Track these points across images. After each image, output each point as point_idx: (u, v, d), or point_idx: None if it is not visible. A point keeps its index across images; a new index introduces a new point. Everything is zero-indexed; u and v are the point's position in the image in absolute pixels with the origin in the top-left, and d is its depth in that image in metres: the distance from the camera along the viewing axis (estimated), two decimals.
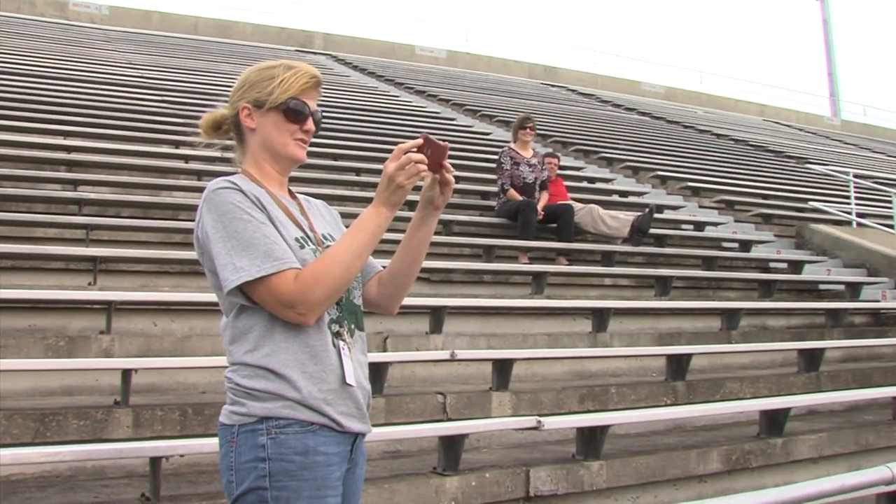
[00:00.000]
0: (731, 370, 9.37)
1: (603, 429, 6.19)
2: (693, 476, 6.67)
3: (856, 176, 17.17)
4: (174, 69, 19.35)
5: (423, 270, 8.63)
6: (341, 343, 2.63)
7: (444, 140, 2.65)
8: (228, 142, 2.85)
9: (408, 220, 2.76)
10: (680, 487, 6.59)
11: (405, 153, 2.55)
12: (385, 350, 7.49)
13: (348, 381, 2.60)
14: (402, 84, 24.85)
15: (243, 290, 2.52)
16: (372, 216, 2.58)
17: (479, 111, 21.58)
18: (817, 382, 8.91)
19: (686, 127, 26.38)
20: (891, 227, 14.33)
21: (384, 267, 2.87)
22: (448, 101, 22.85)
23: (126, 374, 5.77)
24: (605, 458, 6.19)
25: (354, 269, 2.57)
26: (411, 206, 2.74)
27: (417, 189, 2.65)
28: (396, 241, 2.79)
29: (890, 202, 14.96)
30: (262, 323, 2.56)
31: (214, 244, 2.54)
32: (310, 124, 2.76)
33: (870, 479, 4.27)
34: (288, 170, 2.81)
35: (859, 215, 15.47)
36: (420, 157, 2.55)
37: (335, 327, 2.63)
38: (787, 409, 7.28)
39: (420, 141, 2.58)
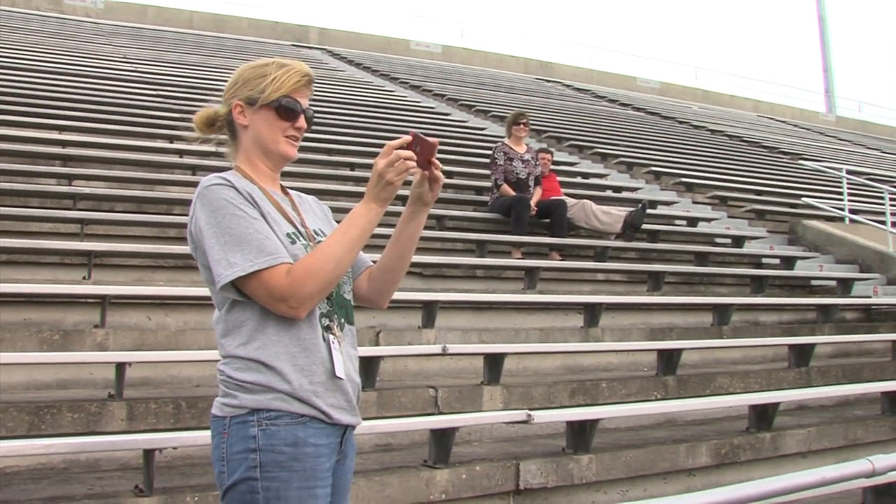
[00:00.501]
0: (722, 365, 9.44)
1: (592, 422, 6.23)
2: (682, 470, 6.71)
3: (849, 172, 17.23)
4: (169, 63, 19.35)
5: (416, 265, 8.73)
6: (331, 337, 2.67)
7: (437, 136, 2.70)
8: (222, 137, 2.88)
9: (399, 214, 2.80)
10: (669, 481, 6.63)
11: (395, 150, 2.60)
12: (377, 344, 7.53)
13: (338, 373, 2.64)
14: (397, 79, 24.86)
15: (236, 284, 2.56)
16: (362, 212, 2.62)
17: (474, 106, 21.62)
18: (807, 377, 8.96)
19: (681, 122, 26.42)
20: (883, 223, 14.37)
21: (374, 262, 2.91)
22: (443, 96, 22.88)
23: (120, 367, 5.81)
24: (595, 451, 6.23)
25: (345, 264, 2.61)
26: (404, 200, 2.78)
27: (408, 184, 2.70)
28: (387, 237, 2.83)
29: (882, 199, 15.00)
30: (254, 317, 2.60)
31: (208, 240, 2.59)
32: (301, 122, 2.80)
33: (851, 471, 4.32)
34: (279, 166, 2.85)
35: (852, 211, 15.51)
36: (409, 153, 2.59)
37: (325, 321, 2.68)
38: (777, 404, 7.33)
39: (409, 138, 2.62)
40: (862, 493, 5.86)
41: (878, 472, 4.43)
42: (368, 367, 6.45)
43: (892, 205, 14.88)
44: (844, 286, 12.20)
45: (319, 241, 2.71)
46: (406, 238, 2.81)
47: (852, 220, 15.10)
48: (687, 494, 4.57)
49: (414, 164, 2.61)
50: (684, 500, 4.32)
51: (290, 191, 2.91)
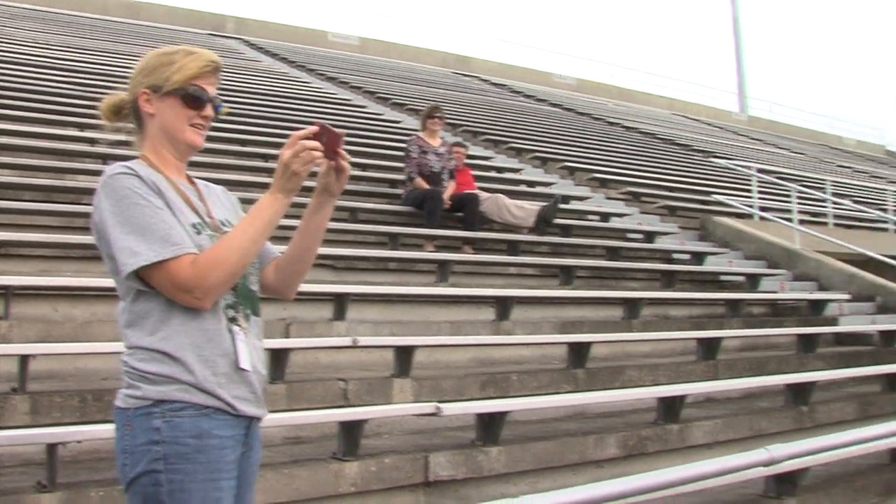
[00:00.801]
0: (632, 358, 9.55)
1: (502, 415, 6.27)
2: (591, 461, 6.79)
3: (759, 171, 17.60)
4: (81, 50, 18.98)
5: (328, 257, 8.69)
6: (236, 328, 2.66)
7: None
8: (130, 125, 2.84)
9: (307, 205, 2.79)
10: (578, 472, 6.69)
11: (300, 140, 2.59)
12: (288, 336, 7.46)
13: (242, 365, 2.63)
14: (313, 70, 24.70)
15: (140, 274, 2.53)
16: (269, 203, 2.61)
17: (390, 99, 21.60)
18: (715, 370, 9.13)
19: (596, 119, 26.71)
20: (790, 220, 14.71)
21: (282, 252, 2.90)
22: (359, 88, 22.79)
23: (24, 360, 5.69)
24: (504, 443, 6.28)
25: (251, 255, 2.60)
26: (312, 191, 2.77)
27: (315, 175, 2.69)
28: (295, 227, 2.82)
29: (790, 197, 15.36)
30: (159, 307, 2.57)
31: (112, 229, 2.55)
32: (208, 110, 2.78)
33: (749, 461, 4.43)
34: (186, 156, 2.82)
35: (761, 209, 15.85)
36: (315, 144, 2.59)
37: (231, 312, 2.66)
38: (684, 396, 7.46)
39: (315, 128, 2.62)
40: (764, 481, 6.00)
41: (775, 461, 4.55)
42: (278, 359, 6.42)
43: (799, 203, 15.25)
44: (752, 282, 12.47)
45: (225, 232, 2.69)
46: (313, 229, 2.80)
47: (762, 218, 15.44)
48: (594, 483, 4.63)
49: (320, 154, 2.60)
50: (592, 489, 4.38)
51: (196, 180, 2.88)
